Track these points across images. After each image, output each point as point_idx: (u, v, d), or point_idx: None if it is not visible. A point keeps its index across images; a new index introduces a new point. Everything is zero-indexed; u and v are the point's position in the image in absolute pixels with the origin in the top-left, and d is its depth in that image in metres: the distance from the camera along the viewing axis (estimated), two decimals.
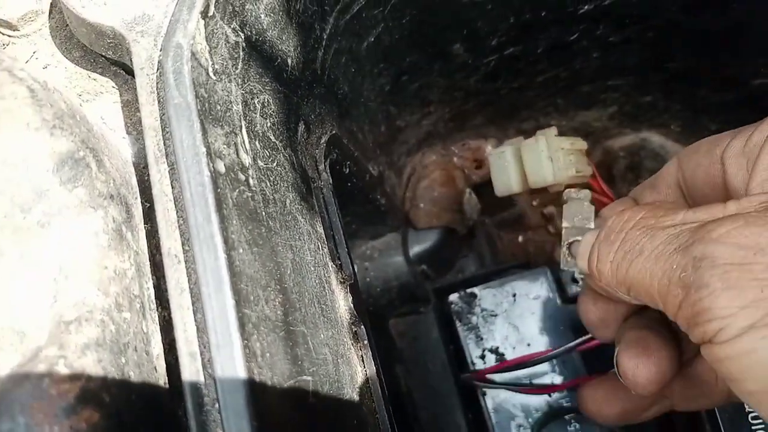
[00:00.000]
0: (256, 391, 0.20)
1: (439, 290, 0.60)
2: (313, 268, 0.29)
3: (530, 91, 0.52)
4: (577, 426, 0.53)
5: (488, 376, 0.54)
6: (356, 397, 0.28)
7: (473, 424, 0.56)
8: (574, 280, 0.57)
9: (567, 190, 0.41)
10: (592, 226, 0.40)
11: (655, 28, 0.47)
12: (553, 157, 0.42)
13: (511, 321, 0.57)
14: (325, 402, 0.25)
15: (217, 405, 0.20)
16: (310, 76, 0.34)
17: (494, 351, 0.57)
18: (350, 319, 0.31)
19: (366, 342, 0.31)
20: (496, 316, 0.57)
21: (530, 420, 0.54)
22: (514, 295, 0.57)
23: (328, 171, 0.35)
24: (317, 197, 0.33)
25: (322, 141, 0.35)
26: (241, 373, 0.20)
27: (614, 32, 0.47)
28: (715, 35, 0.49)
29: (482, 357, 0.56)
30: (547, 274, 0.57)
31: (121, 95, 0.29)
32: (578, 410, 0.53)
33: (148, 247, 0.25)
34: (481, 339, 0.57)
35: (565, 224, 0.40)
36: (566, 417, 0.53)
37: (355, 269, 0.32)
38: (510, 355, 0.56)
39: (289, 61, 0.32)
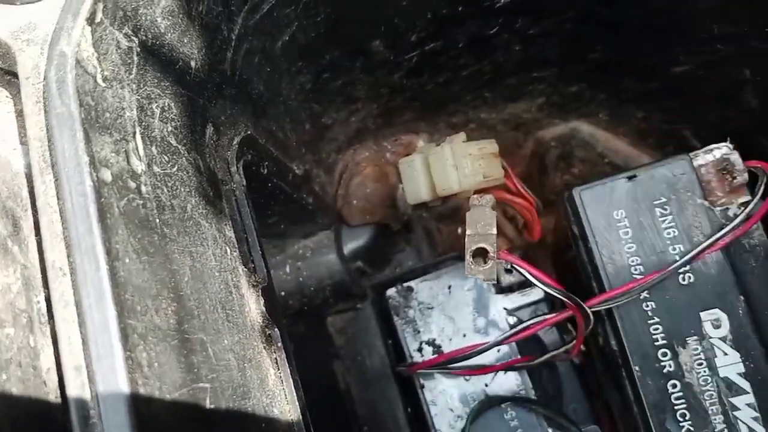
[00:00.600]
0: (140, 402, 0.20)
1: (376, 286, 0.61)
2: (218, 274, 0.29)
3: (456, 85, 0.52)
4: (513, 414, 0.54)
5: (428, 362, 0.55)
6: (266, 400, 0.28)
7: (412, 417, 0.57)
8: (508, 271, 0.58)
9: (472, 196, 0.42)
10: (494, 231, 0.41)
11: (572, 20, 0.48)
12: (459, 165, 0.43)
13: (447, 313, 0.57)
14: (228, 408, 0.25)
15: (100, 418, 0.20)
16: (218, 78, 0.34)
17: (431, 343, 0.57)
18: (263, 322, 0.31)
19: (280, 344, 0.31)
20: (432, 308, 0.58)
21: (467, 410, 0.54)
22: (450, 287, 0.58)
23: (242, 173, 0.35)
24: (228, 200, 0.33)
25: (234, 143, 0.35)
26: (123, 385, 0.20)
27: (533, 25, 0.48)
28: (633, 26, 0.50)
29: (420, 350, 0.57)
30: None
31: (15, 105, 0.29)
32: (514, 399, 0.54)
33: (40, 259, 0.24)
34: (419, 332, 0.57)
35: (468, 231, 0.41)
36: (502, 405, 0.54)
37: (270, 271, 0.32)
38: (446, 347, 0.57)
39: (193, 63, 0.32)
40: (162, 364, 0.22)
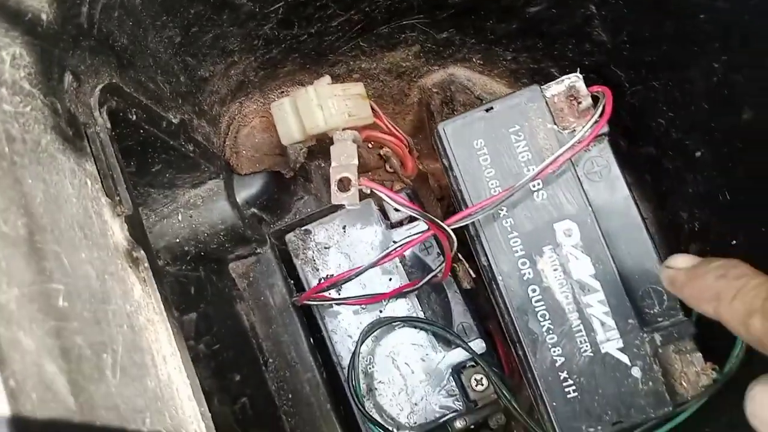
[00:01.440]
0: None
1: (277, 232, 0.65)
2: (75, 200, 0.32)
3: (329, 36, 0.56)
4: (402, 332, 0.59)
5: (325, 296, 0.59)
6: (130, 308, 0.32)
7: (315, 346, 0.61)
8: (397, 209, 0.63)
9: (335, 132, 0.46)
10: (355, 162, 0.45)
11: None
12: (324, 105, 0.47)
13: (343, 250, 0.62)
14: (83, 307, 0.28)
15: None
16: (74, 30, 0.37)
17: (332, 286, 0.62)
18: (128, 245, 0.35)
19: (147, 265, 0.35)
20: (329, 248, 0.62)
21: None
22: (344, 227, 0.62)
23: (105, 117, 0.38)
24: (93, 141, 0.36)
25: (97, 90, 0.38)
26: None
27: None
28: None
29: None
30: (371, 204, 0.63)
31: None
32: (403, 319, 0.59)
33: None
34: (318, 270, 0.62)
35: (333, 164, 0.45)
36: (392, 325, 0.59)
37: (134, 202, 0.36)
38: None
39: (44, 16, 0.34)
40: (9, 264, 0.25)
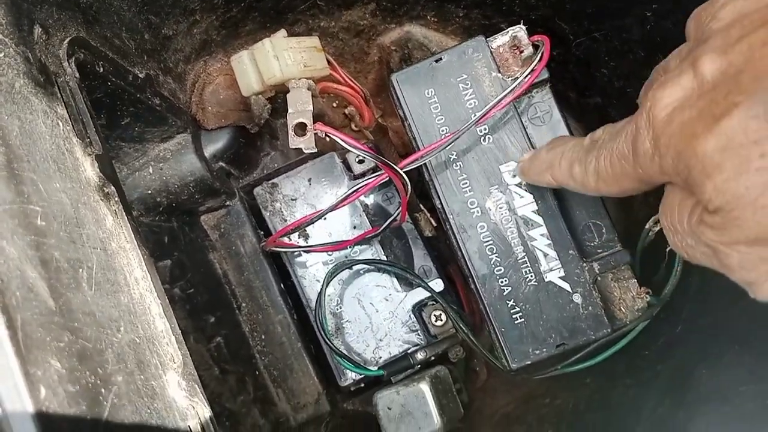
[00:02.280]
0: None
1: (245, 186, 0.68)
2: (49, 137, 0.35)
3: None
4: (366, 275, 0.63)
5: (293, 243, 0.63)
6: (103, 234, 0.36)
7: (285, 291, 0.65)
8: (360, 161, 0.66)
9: (290, 81, 0.49)
10: (310, 108, 0.49)
11: None
12: (280, 56, 0.50)
13: (309, 201, 0.66)
14: (59, 229, 0.32)
15: None
16: None
17: (296, 229, 0.65)
18: (99, 181, 0.38)
19: (117, 199, 0.38)
20: (295, 200, 0.66)
21: None
22: (310, 180, 0.66)
23: (74, 68, 0.41)
24: (63, 89, 0.39)
25: (64, 43, 0.41)
26: None
27: None
28: None
29: (288, 236, 0.65)
30: (334, 158, 0.66)
31: None
32: (365, 261, 0.63)
33: None
34: (285, 221, 0.65)
35: (290, 110, 0.49)
36: (355, 267, 0.63)
37: (104, 144, 0.39)
38: (310, 230, 0.65)
39: None
40: None
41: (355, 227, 0.65)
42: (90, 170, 0.38)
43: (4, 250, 0.27)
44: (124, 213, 0.38)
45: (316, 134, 0.48)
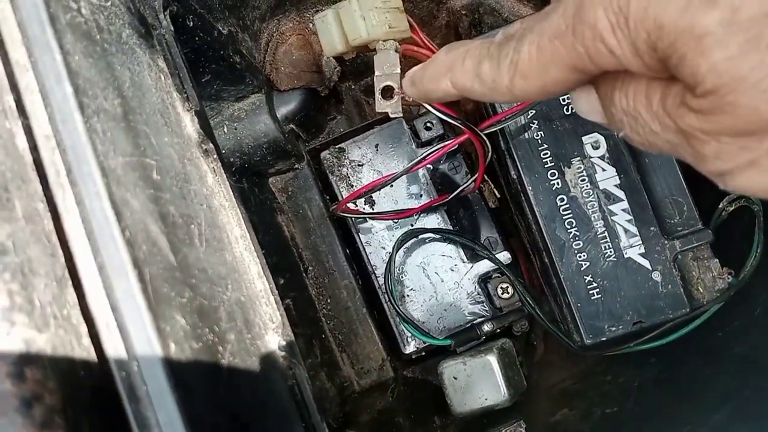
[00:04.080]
0: (99, 154, 0.26)
1: (312, 150, 0.67)
2: (155, 90, 0.35)
3: None
4: (433, 243, 0.62)
5: (360, 210, 0.62)
6: (206, 191, 0.35)
7: (350, 256, 0.65)
8: (427, 128, 0.65)
9: (377, 42, 0.48)
10: (398, 71, 0.47)
11: None
12: (366, 16, 0.49)
13: (376, 168, 0.65)
14: (172, 183, 0.31)
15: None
16: None
17: (366, 194, 0.65)
18: (198, 137, 0.37)
19: (216, 156, 0.38)
20: (362, 165, 0.65)
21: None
22: (377, 146, 0.65)
23: (169, 20, 0.40)
24: (160, 42, 0.39)
25: None
26: (83, 139, 0.26)
27: None
28: None
29: (354, 202, 0.64)
30: (402, 124, 0.65)
31: None
32: (434, 230, 0.62)
33: (4, 62, 0.30)
34: (352, 186, 0.64)
35: (377, 73, 0.47)
36: (423, 236, 0.62)
37: (202, 102, 0.38)
38: (376, 197, 0.64)
39: None
40: (113, 135, 0.28)
41: (420, 195, 0.64)
42: (190, 126, 0.37)
43: (129, 203, 0.27)
44: (222, 171, 0.38)
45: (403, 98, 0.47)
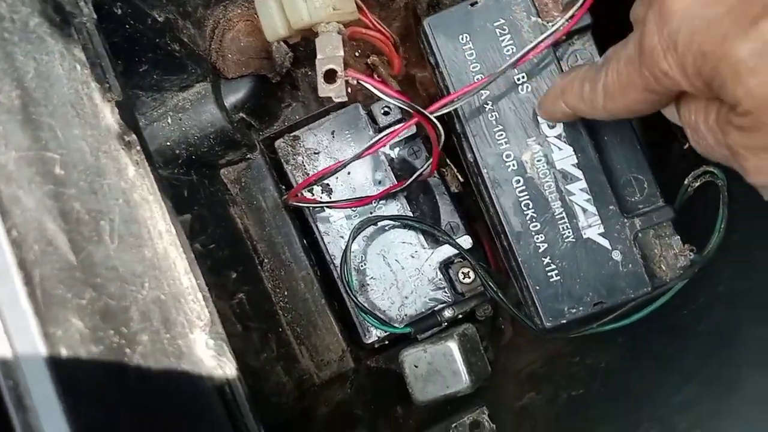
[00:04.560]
0: None
1: (267, 139, 0.66)
2: (66, 81, 0.33)
3: None
4: (392, 231, 0.61)
5: (316, 199, 0.61)
6: (125, 185, 0.34)
7: (308, 246, 0.63)
8: (385, 113, 0.63)
9: (319, 24, 0.46)
10: (341, 53, 0.46)
11: None
12: None
13: (332, 155, 0.63)
14: (79, 178, 0.30)
15: None
16: None
17: (320, 183, 0.63)
18: (119, 129, 0.36)
19: (139, 148, 0.36)
20: (318, 153, 0.63)
21: None
22: (333, 133, 0.63)
23: (91, 7, 0.38)
24: (80, 31, 0.37)
25: None
26: None
27: None
28: None
29: (311, 191, 0.63)
30: (359, 109, 0.63)
31: None
32: (391, 217, 0.61)
33: None
34: (308, 174, 0.63)
35: (319, 56, 0.46)
36: (381, 223, 0.60)
37: (124, 90, 0.37)
38: (334, 185, 0.63)
39: None
40: (5, 129, 0.26)
41: (379, 182, 0.63)
42: (110, 117, 0.35)
43: (21, 201, 0.25)
44: (146, 163, 0.36)
45: (346, 82, 0.46)
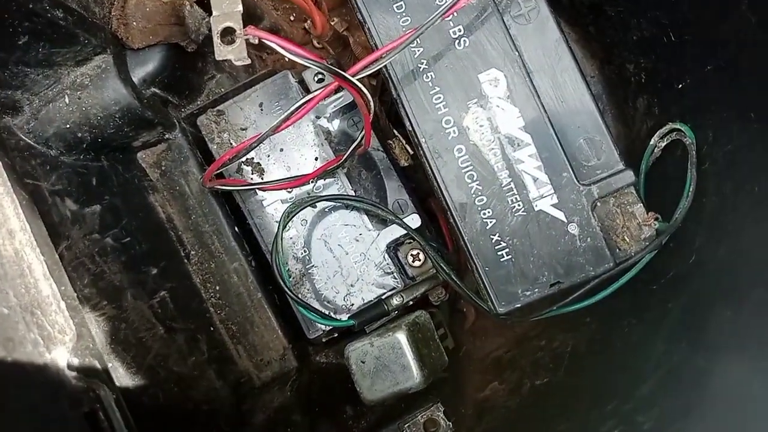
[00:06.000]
0: None
1: (190, 116, 0.59)
2: None
3: None
4: (334, 212, 0.55)
5: (245, 180, 0.55)
6: None
7: (243, 236, 0.57)
8: (320, 80, 0.57)
9: None
10: (240, 9, 0.39)
11: None
12: None
13: (261, 130, 0.56)
14: None
15: None
16: None
17: (249, 162, 0.57)
18: None
19: None
20: (246, 129, 0.57)
21: None
22: (261, 105, 0.57)
23: None
24: None
25: None
26: None
27: None
28: None
29: (240, 171, 0.57)
30: (288, 77, 0.57)
31: None
32: (328, 198, 0.55)
33: None
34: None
35: (215, 13, 0.39)
36: (319, 205, 0.54)
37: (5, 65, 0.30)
38: (265, 164, 0.57)
39: None
40: None
41: (317, 159, 0.57)
42: None
43: None
44: None
45: (248, 42, 0.39)
